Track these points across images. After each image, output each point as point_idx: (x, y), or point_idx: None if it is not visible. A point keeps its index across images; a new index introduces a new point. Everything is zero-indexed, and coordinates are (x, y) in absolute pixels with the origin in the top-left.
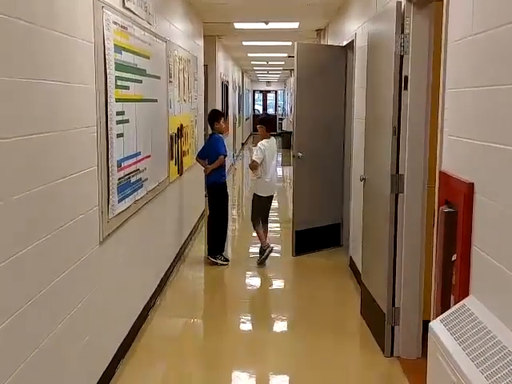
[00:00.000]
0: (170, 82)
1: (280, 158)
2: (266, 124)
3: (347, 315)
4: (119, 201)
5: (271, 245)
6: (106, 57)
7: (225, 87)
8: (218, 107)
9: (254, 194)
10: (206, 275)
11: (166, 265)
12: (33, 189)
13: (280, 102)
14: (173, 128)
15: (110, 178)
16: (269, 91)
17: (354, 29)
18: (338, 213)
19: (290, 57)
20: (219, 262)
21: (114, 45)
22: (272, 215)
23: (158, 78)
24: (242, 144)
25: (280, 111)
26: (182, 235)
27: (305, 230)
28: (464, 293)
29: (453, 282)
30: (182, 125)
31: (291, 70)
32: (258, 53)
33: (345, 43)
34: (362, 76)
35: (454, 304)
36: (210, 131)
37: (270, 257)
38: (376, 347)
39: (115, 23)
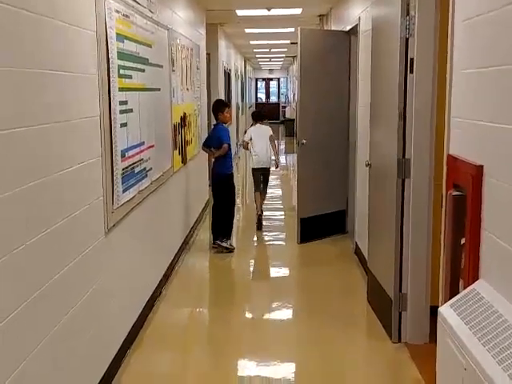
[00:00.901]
0: (173, 70)
1: (283, 146)
2: (253, 116)
3: (354, 302)
4: (124, 191)
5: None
6: (109, 46)
7: (227, 75)
8: (221, 96)
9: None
10: (211, 264)
11: (171, 254)
12: (39, 179)
13: (283, 90)
14: (176, 117)
15: (114, 169)
16: (271, 79)
17: (357, 13)
18: (343, 199)
19: (292, 43)
20: (224, 244)
21: (117, 33)
22: (276, 203)
23: (161, 66)
24: (246, 132)
25: (283, 99)
26: (187, 224)
27: (309, 217)
28: (473, 277)
29: (462, 267)
30: (185, 114)
31: (294, 57)
32: (260, 40)
33: (348, 28)
34: (366, 61)
35: (464, 288)
36: (214, 121)
37: (275, 244)
38: (383, 333)
39: (117, 12)
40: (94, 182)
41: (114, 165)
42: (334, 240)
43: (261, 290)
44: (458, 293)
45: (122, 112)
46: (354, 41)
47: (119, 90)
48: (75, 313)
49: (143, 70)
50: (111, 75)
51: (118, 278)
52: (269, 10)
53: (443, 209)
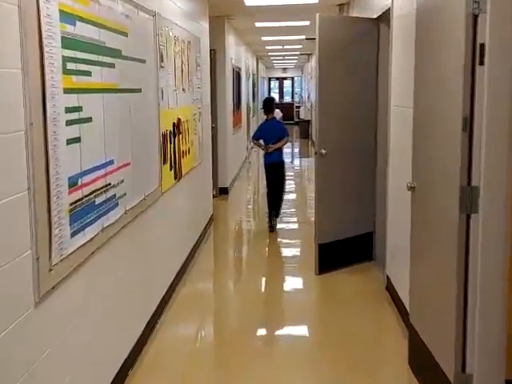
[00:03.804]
0: (162, 67)
1: (297, 149)
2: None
3: (388, 363)
4: (74, 234)
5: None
6: (43, 28)
7: (236, 74)
8: (229, 96)
9: None
10: (209, 306)
11: (155, 300)
12: None
13: (297, 89)
14: (166, 124)
15: (54, 206)
16: (285, 78)
17: None
18: (370, 220)
19: (307, 39)
20: (274, 223)
21: (60, 11)
22: (290, 212)
23: (143, 61)
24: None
25: (297, 98)
26: (184, 250)
27: (330, 242)
28: None
29: None
30: (179, 119)
31: (309, 55)
32: (272, 36)
33: (376, 15)
34: (402, 52)
35: None
36: (221, 124)
37: (290, 277)
38: None
39: None
40: (14, 229)
41: (51, 200)
42: (359, 269)
43: (268, 353)
44: None
45: (70, 123)
46: (384, 30)
47: (65, 92)
48: None
49: (112, 65)
50: (48, 70)
51: (56, 363)
52: None
53: None
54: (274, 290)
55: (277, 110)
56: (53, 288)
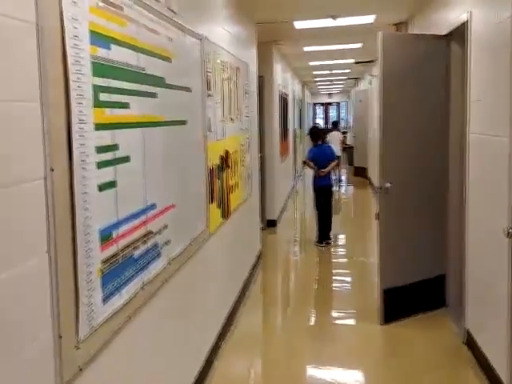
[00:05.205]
0: (209, 95)
1: (344, 176)
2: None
3: None
4: (107, 297)
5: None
6: (69, 50)
7: (284, 101)
8: (276, 124)
9: None
10: (257, 362)
11: (202, 352)
12: None
13: (343, 115)
14: (213, 158)
15: (82, 267)
16: (330, 103)
17: (464, 8)
18: (441, 262)
19: (357, 63)
20: (319, 246)
21: (91, 31)
22: (340, 251)
23: (188, 89)
24: (304, 162)
25: (343, 124)
26: (229, 300)
27: (396, 287)
28: None
29: None
30: (227, 152)
31: (356, 79)
32: (320, 60)
33: (446, 32)
34: (486, 71)
35: None
36: (268, 152)
37: (348, 329)
38: None
39: None
40: (28, 307)
41: (78, 262)
42: (429, 319)
43: None
44: None
45: (102, 165)
46: (455, 47)
47: (97, 128)
48: None
49: (153, 95)
50: (75, 102)
51: None
52: (334, 18)
53: None
54: (332, 344)
55: (334, 133)
56: (80, 370)
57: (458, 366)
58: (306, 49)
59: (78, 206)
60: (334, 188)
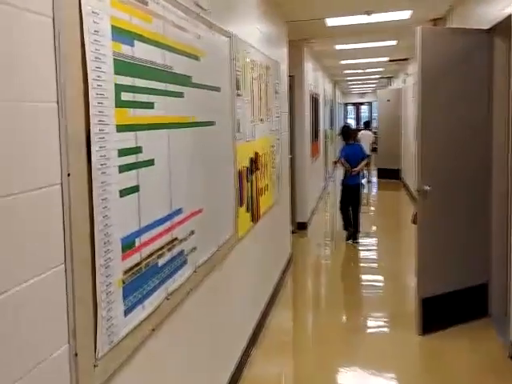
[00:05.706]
0: (238, 95)
1: (374, 179)
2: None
3: None
4: (129, 310)
5: None
6: (88, 46)
7: (314, 101)
8: (306, 124)
9: None
10: (289, 371)
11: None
12: None
13: (375, 115)
14: (243, 160)
15: (102, 278)
16: (362, 103)
17: (509, 1)
18: (483, 269)
19: (391, 61)
20: (359, 241)
21: (114, 27)
22: (371, 265)
23: (217, 89)
24: (335, 162)
25: (375, 124)
26: (257, 308)
27: (435, 296)
28: None
29: None
30: (257, 154)
31: (389, 78)
32: (352, 59)
33: (488, 26)
34: None
35: None
36: (299, 152)
37: (384, 339)
38: None
39: None
40: (41, 321)
41: (97, 272)
42: (471, 329)
43: None
44: None
45: (125, 168)
46: (499, 42)
47: (119, 130)
48: None
49: (180, 95)
50: (94, 102)
51: None
52: (369, 14)
53: None
54: (366, 354)
55: (366, 133)
56: None
57: (503, 379)
58: (338, 47)
59: (97, 213)
60: (362, 188)
